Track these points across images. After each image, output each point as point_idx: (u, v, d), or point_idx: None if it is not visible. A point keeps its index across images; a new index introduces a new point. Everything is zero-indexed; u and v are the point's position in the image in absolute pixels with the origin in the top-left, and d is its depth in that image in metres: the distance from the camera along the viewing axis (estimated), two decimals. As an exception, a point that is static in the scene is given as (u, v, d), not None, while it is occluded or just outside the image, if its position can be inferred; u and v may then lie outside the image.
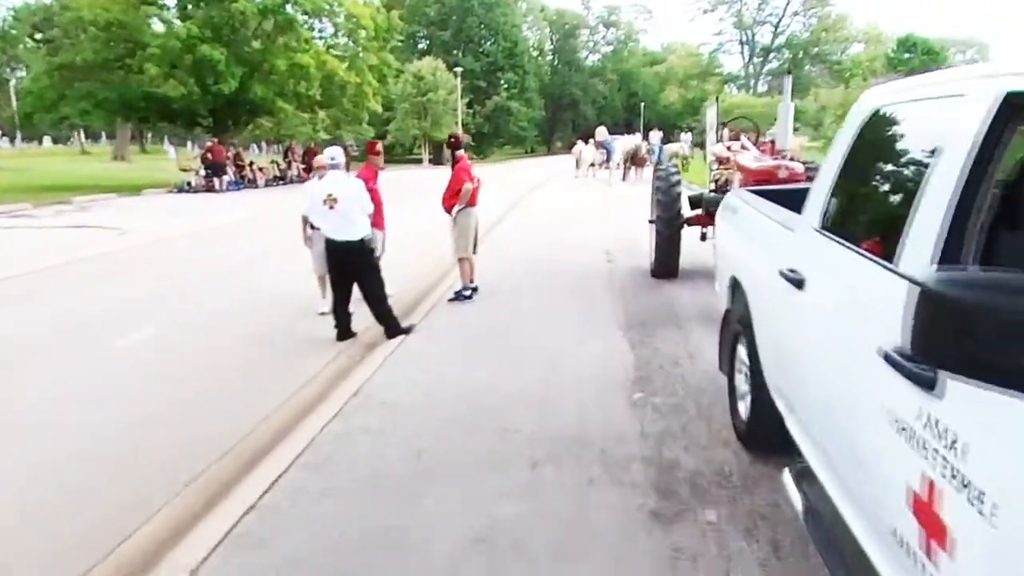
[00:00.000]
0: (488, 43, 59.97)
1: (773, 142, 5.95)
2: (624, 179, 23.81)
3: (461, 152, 6.59)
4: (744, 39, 68.12)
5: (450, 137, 6.66)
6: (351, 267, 5.30)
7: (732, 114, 46.61)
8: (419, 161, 49.64)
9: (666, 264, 6.79)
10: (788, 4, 64.34)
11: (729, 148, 6.96)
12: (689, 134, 25.93)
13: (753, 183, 5.17)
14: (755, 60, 68.25)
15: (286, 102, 21.50)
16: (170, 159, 20.85)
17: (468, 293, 6.51)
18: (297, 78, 20.92)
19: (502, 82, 59.73)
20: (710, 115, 7.93)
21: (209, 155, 20.58)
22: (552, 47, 76.49)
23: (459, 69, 47.51)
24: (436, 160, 50.93)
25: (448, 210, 6.54)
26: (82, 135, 60.29)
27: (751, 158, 6.04)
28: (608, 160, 22.67)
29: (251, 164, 23.65)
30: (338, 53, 24.63)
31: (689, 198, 6.90)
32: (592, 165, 22.71)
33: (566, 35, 76.04)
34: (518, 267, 7.96)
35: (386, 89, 27.64)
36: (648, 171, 25.94)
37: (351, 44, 24.60)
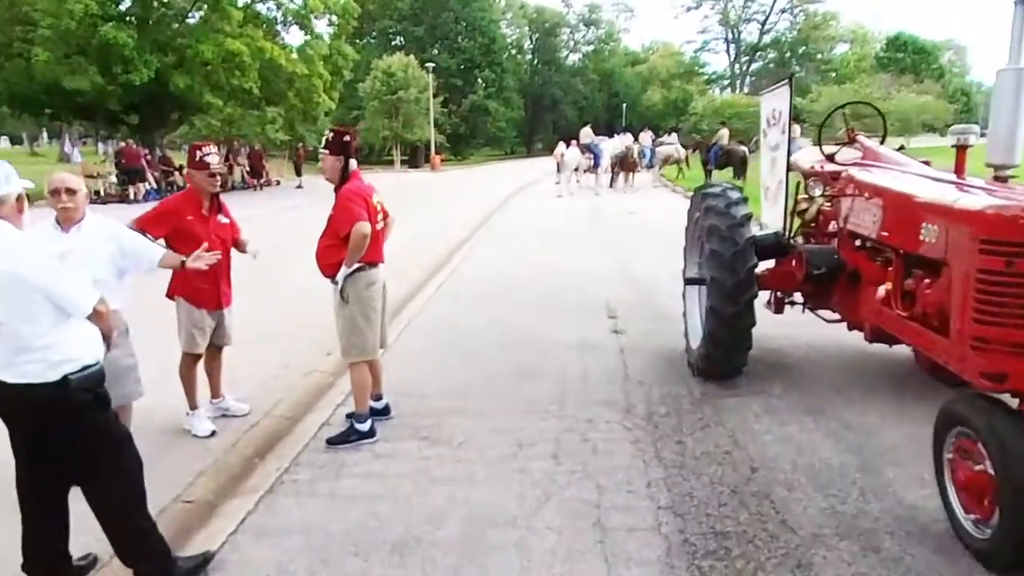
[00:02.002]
0: (464, 39, 56.97)
1: (962, 148, 2.98)
2: (612, 186, 20.97)
3: (354, 165, 3.57)
4: (730, 37, 65.94)
5: (333, 133, 3.55)
6: (50, 446, 2.29)
7: (723, 115, 44.19)
8: (391, 163, 46.53)
9: (726, 360, 3.84)
10: (775, 1, 62.28)
11: (831, 158, 4.05)
12: (675, 135, 22.87)
13: (982, 239, 2.22)
14: (741, 59, 66.11)
15: (217, 96, 18.22)
16: (73, 163, 17.42)
17: (366, 427, 3.52)
18: (229, 68, 17.66)
19: (479, 80, 56.81)
20: (773, 105, 5.01)
21: (122, 158, 17.23)
22: (531, 46, 74.15)
23: (431, 65, 44.40)
24: (412, 163, 47.73)
25: (329, 272, 3.55)
26: (44, 134, 55.75)
27: (928, 182, 3.00)
28: (596, 165, 19.76)
29: (180, 168, 20.32)
30: (285, 38, 21.41)
31: (756, 241, 4.00)
32: (576, 170, 19.80)
33: (546, 33, 73.71)
34: (471, 348, 4.95)
35: (342, 83, 24.44)
36: (640, 177, 23.07)
37: (301, 31, 21.35)
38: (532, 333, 5.23)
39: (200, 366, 3.83)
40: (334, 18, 21.82)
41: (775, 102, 5.08)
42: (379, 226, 3.50)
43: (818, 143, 4.09)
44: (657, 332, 5.18)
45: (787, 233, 4.17)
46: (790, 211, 4.08)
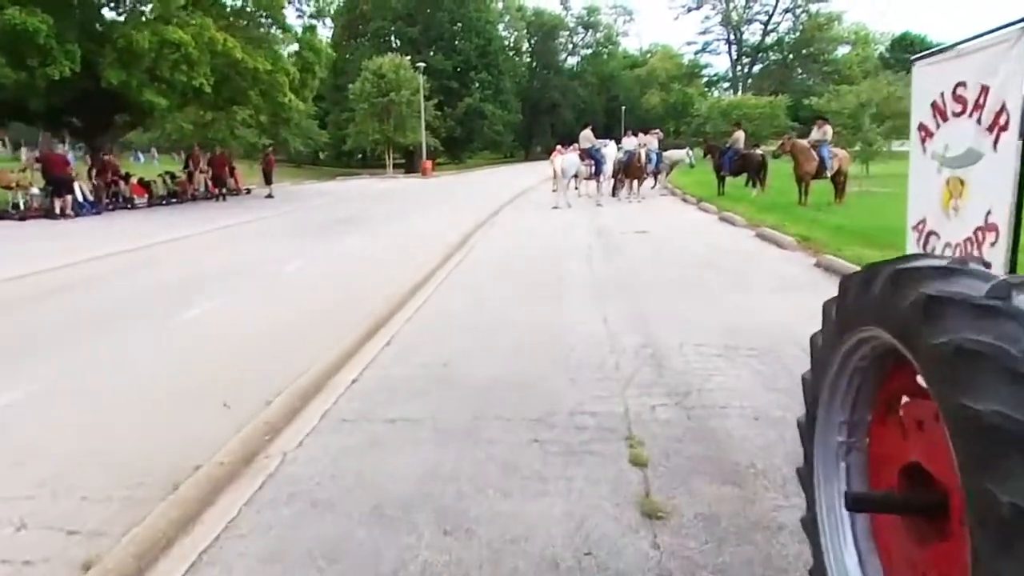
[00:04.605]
0: (460, 40, 54.76)
1: None
2: (615, 195, 18.53)
3: None
4: (731, 38, 63.67)
5: None
6: None
7: (731, 117, 40.95)
8: (383, 167, 44.21)
9: None
10: (778, 1, 60.01)
11: None
12: (652, 136, 19.71)
13: None
14: (743, 60, 63.84)
15: (159, 94, 15.74)
16: (-14, 171, 14.98)
17: None
18: (175, 61, 15.18)
19: (475, 83, 54.62)
20: (958, 76, 2.54)
21: (46, 166, 14.73)
22: (529, 48, 72.35)
23: (422, 65, 42.11)
24: (408, 168, 45.30)
25: None
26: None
27: None
28: (597, 173, 17.26)
29: (126, 177, 17.85)
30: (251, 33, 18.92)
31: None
32: (575, 177, 17.33)
33: (544, 36, 71.94)
34: (366, 563, 2.49)
35: (315, 80, 21.98)
36: (649, 185, 20.44)
37: (266, 20, 18.88)
38: (490, 517, 2.72)
39: None
40: (305, 8, 19.43)
41: (963, 71, 2.60)
42: None
43: None
44: (730, 518, 2.68)
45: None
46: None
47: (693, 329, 5.39)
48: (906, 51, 57.34)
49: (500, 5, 64.38)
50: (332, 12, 32.08)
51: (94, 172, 16.52)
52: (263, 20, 19.23)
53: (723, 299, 6.53)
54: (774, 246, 9.78)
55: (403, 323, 5.90)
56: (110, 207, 16.69)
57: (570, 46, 75.34)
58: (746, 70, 63.68)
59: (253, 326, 5.99)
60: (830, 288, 7.23)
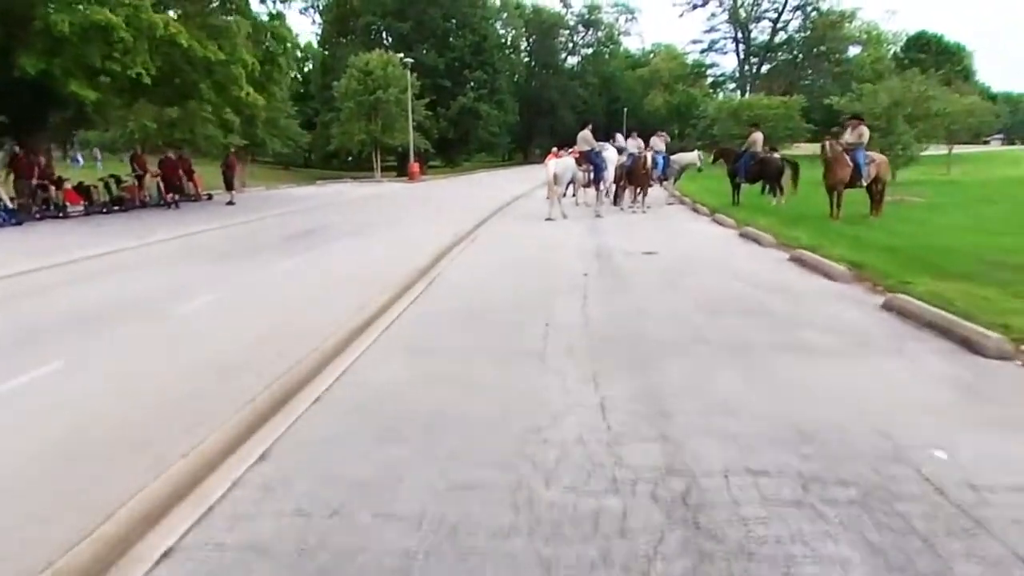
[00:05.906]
0: (454, 37, 52.72)
1: None
2: (617, 204, 16.51)
3: None
4: (739, 36, 61.55)
5: None
6: None
7: (741, 118, 38.47)
8: (370, 170, 42.09)
9: None
10: (788, -2, 57.89)
11: None
12: (659, 138, 17.60)
13: None
14: (751, 60, 61.74)
15: (88, 86, 13.64)
16: None
17: None
18: (103, 47, 13.10)
19: (470, 82, 52.55)
20: None
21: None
22: (528, 47, 70.47)
23: (410, 61, 39.99)
24: (400, 170, 43.18)
25: None
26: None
27: None
28: (596, 181, 15.16)
29: (58, 181, 15.73)
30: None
31: None
32: (572, 183, 15.28)
33: (543, 34, 70.04)
34: None
35: (281, 74, 19.89)
36: (655, 193, 18.24)
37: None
38: None
39: None
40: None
41: None
42: None
43: None
44: None
45: None
46: None
47: (740, 433, 3.31)
48: (921, 51, 54.90)
49: (497, 1, 62.38)
50: (321, 6, 29.97)
51: (6, 174, 14.39)
52: (227, 4, 17.11)
53: (774, 369, 4.48)
54: (819, 275, 7.72)
55: (301, 413, 3.83)
56: (37, 216, 14.58)
57: (570, 45, 73.56)
58: (754, 70, 61.53)
59: (92, 407, 3.92)
60: (918, 347, 4.49)
